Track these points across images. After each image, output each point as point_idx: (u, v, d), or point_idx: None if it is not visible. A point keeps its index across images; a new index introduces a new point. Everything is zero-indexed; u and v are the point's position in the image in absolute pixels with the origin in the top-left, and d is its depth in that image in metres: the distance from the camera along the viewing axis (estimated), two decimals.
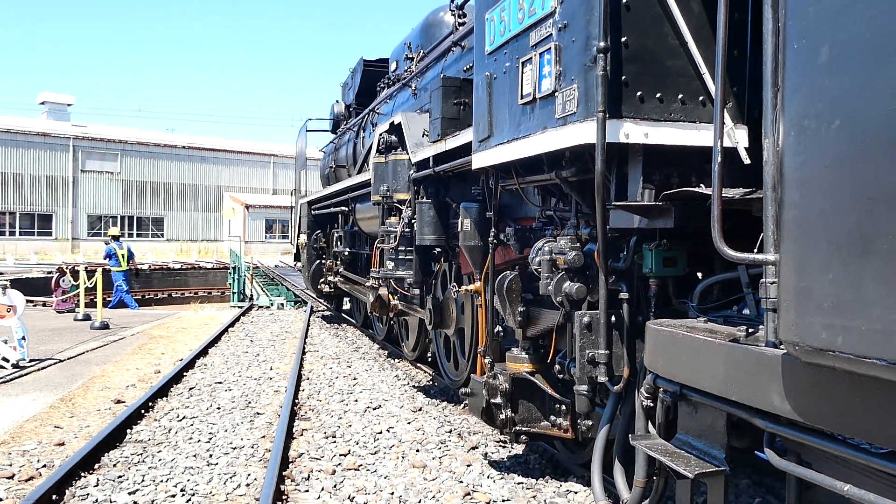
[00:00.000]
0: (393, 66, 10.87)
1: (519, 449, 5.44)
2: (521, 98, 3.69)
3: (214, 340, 10.57)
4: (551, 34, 3.41)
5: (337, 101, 15.00)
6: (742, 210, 2.88)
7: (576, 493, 4.57)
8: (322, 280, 12.65)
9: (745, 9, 3.12)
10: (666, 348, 2.75)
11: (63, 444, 5.49)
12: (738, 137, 3.10)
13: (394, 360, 9.41)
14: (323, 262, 12.73)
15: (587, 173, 3.54)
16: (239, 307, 16.40)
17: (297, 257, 14.81)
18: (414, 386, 7.81)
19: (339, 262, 11.86)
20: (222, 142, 50.40)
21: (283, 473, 4.79)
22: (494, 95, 4.10)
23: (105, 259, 17.13)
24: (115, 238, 16.95)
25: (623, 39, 3.08)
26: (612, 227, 3.31)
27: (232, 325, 12.61)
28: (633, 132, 3.07)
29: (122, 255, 16.66)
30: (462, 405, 6.84)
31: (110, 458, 5.14)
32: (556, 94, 3.33)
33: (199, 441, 5.58)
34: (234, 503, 4.41)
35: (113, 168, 44.27)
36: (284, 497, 4.46)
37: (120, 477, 4.73)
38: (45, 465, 4.98)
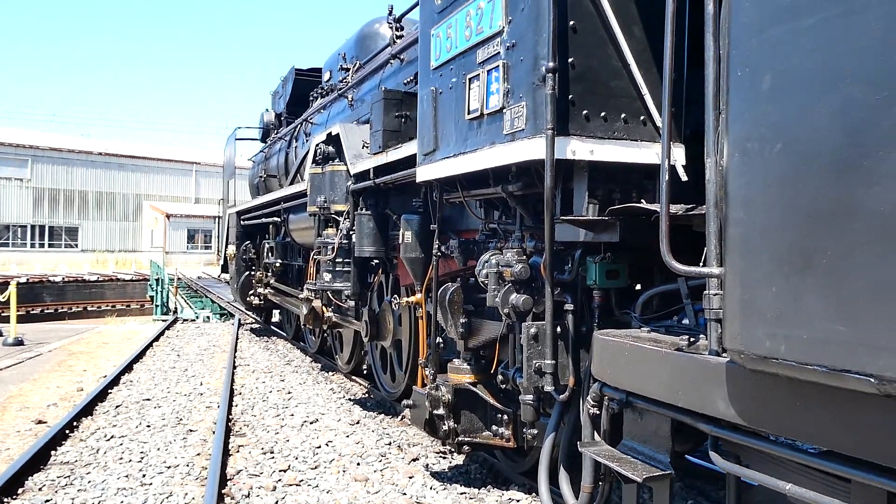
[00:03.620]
0: (326, 76, 10.82)
1: (459, 459, 5.49)
2: (469, 113, 3.76)
3: (139, 356, 10.21)
4: (499, 52, 3.50)
5: (267, 110, 14.78)
6: (682, 225, 3.02)
7: (518, 501, 4.65)
8: (252, 292, 12.39)
9: (682, 34, 3.28)
10: (613, 358, 2.86)
11: None
12: (675, 156, 3.26)
13: (328, 373, 9.31)
14: (252, 273, 12.49)
15: (533, 188, 3.64)
16: (163, 320, 15.89)
17: (224, 268, 14.47)
18: (350, 399, 7.76)
19: (269, 274, 11.67)
20: (142, 148, 48.77)
21: (223, 491, 4.69)
22: (440, 110, 4.15)
23: None
24: None
25: (570, 60, 3.20)
26: (557, 240, 3.40)
27: (157, 339, 12.20)
28: (579, 149, 3.19)
29: None
30: (400, 417, 6.84)
31: (35, 481, 4.90)
32: (505, 110, 3.41)
33: (130, 461, 5.39)
34: None
35: (22, 175, 42.12)
36: None
37: (47, 501, 4.52)
38: None
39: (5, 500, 4.51)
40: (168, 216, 44.58)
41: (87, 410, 6.84)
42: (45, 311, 25.36)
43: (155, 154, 48.31)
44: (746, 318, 2.08)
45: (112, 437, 6.03)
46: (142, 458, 5.48)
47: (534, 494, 4.73)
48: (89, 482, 4.90)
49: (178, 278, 25.11)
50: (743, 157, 2.12)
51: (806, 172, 1.93)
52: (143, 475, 5.07)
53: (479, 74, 3.68)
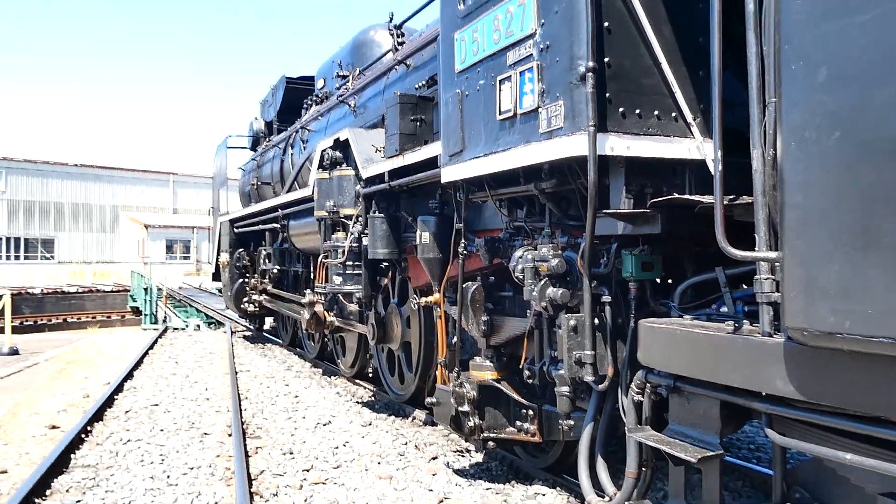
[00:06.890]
0: (320, 84, 10.89)
1: (479, 457, 5.57)
2: (500, 114, 3.86)
3: (138, 363, 10.15)
4: (532, 54, 3.61)
5: (256, 119, 14.80)
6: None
7: (543, 495, 4.73)
8: (246, 299, 12.40)
9: (707, 34, 3.42)
10: (663, 344, 2.97)
11: (6, 471, 5.18)
12: (706, 150, 3.40)
13: (330, 378, 9.35)
14: (246, 280, 12.48)
15: (565, 184, 3.75)
16: (154, 329, 15.77)
17: (216, 277, 14.42)
18: (357, 402, 7.81)
19: (266, 280, 11.67)
20: (118, 160, 48.44)
21: (251, 491, 4.72)
22: (467, 112, 4.26)
23: None
24: None
25: (606, 59, 3.32)
26: (596, 234, 3.51)
27: (151, 347, 12.12)
28: (617, 145, 3.31)
29: None
30: (411, 418, 6.91)
31: (60, 483, 4.90)
32: (540, 109, 3.53)
33: (151, 463, 5.40)
34: None
35: None
36: None
37: (78, 502, 4.53)
38: None
39: (36, 500, 4.51)
40: (146, 227, 44.14)
41: (98, 416, 6.81)
42: (24, 324, 24.93)
43: (131, 165, 47.93)
44: (808, 297, 2.20)
45: (128, 440, 6.02)
46: (162, 460, 5.49)
47: (558, 489, 4.82)
48: (115, 483, 4.91)
49: (159, 288, 24.89)
50: (800, 144, 2.25)
51: (865, 158, 2.06)
52: (168, 476, 5.09)
53: (510, 76, 3.79)
